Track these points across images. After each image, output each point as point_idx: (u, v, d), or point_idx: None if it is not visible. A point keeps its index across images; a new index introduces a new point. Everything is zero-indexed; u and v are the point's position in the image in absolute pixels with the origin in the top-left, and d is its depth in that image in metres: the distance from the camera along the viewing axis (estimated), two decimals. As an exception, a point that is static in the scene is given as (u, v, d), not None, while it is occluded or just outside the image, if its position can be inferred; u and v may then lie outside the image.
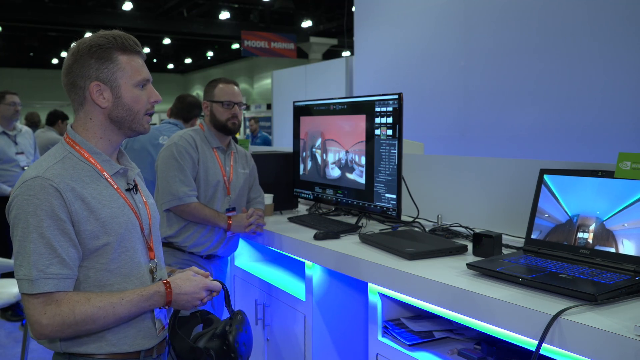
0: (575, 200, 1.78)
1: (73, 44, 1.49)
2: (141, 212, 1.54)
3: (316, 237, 2.33)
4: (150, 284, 1.52)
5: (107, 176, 1.47)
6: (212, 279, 1.61)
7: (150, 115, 1.55)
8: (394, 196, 2.38)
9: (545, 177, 1.89)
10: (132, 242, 1.48)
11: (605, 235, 1.67)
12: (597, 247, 1.67)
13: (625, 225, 1.63)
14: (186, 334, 1.63)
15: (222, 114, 2.56)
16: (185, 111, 3.58)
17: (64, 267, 1.34)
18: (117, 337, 1.45)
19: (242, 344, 1.61)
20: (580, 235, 1.73)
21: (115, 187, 1.48)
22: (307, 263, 2.36)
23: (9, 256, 4.67)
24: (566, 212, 1.79)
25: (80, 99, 1.47)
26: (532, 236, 1.87)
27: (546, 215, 1.85)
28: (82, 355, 1.43)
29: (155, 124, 4.68)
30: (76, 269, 1.38)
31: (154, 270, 1.55)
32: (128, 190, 1.53)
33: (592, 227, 1.71)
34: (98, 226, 1.40)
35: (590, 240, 1.70)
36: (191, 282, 1.52)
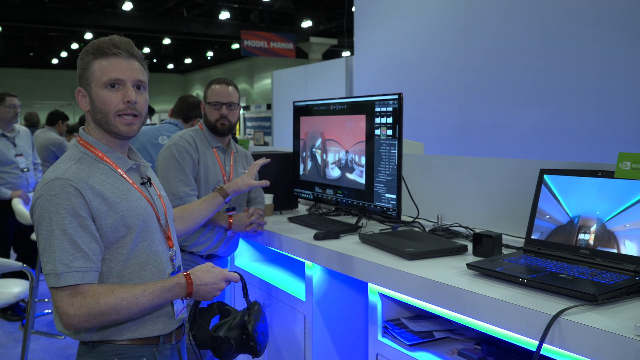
0: (577, 201, 1.78)
1: None
2: (157, 203, 1.63)
3: (316, 237, 2.33)
4: (170, 271, 1.61)
5: (121, 172, 1.56)
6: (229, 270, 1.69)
7: (128, 115, 1.52)
8: (394, 196, 2.38)
9: (546, 177, 1.89)
10: (149, 233, 1.56)
11: (606, 236, 1.66)
12: (599, 248, 1.67)
13: (627, 226, 1.62)
14: (205, 324, 1.70)
15: (211, 114, 2.56)
16: (185, 110, 3.60)
17: (88, 261, 1.42)
18: (137, 323, 1.54)
19: (260, 333, 1.70)
20: (581, 236, 1.73)
21: (130, 181, 1.57)
22: (307, 263, 2.36)
23: (8, 256, 4.69)
24: (567, 213, 1.79)
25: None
26: (533, 237, 1.87)
27: (547, 217, 1.85)
28: (105, 342, 1.52)
29: (155, 124, 4.69)
30: (99, 262, 1.46)
31: (173, 258, 1.64)
32: (142, 184, 1.62)
33: (593, 228, 1.71)
34: (117, 219, 1.48)
35: (591, 242, 1.70)
36: (211, 273, 1.61)
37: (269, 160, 2.46)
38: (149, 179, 1.66)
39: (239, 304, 1.85)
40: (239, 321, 1.69)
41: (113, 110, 1.51)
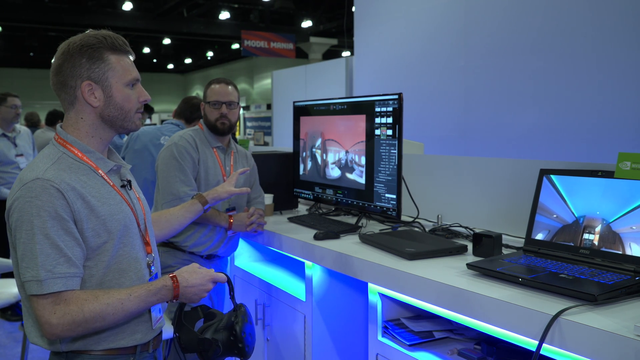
0: (575, 202, 1.78)
1: (62, 44, 1.50)
2: (136, 207, 1.58)
3: (316, 237, 2.33)
4: (148, 277, 1.55)
5: (102, 174, 1.50)
6: (215, 271, 1.63)
7: (141, 113, 1.57)
8: (394, 196, 2.38)
9: (553, 177, 1.88)
10: (130, 238, 1.51)
11: (611, 237, 1.66)
12: (599, 249, 1.67)
13: (634, 227, 1.62)
14: (190, 327, 1.66)
15: (211, 114, 2.56)
16: (188, 112, 3.62)
17: (71, 266, 1.36)
18: (115, 332, 1.47)
19: (248, 334, 1.65)
20: (586, 236, 1.72)
21: (111, 184, 1.51)
22: (307, 263, 2.36)
23: (8, 256, 4.69)
24: (565, 215, 1.79)
25: (71, 98, 1.48)
26: (537, 237, 1.87)
27: (544, 219, 1.85)
28: (80, 352, 1.45)
29: (155, 124, 4.70)
30: (82, 267, 1.40)
31: (151, 264, 1.58)
32: (123, 186, 1.56)
33: (591, 231, 1.71)
34: (99, 224, 1.42)
35: (596, 242, 1.69)
36: (197, 274, 1.55)
37: (248, 169, 2.40)
38: (129, 182, 1.60)
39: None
40: (226, 323, 1.64)
41: (134, 108, 1.53)
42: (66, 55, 1.46)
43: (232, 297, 1.74)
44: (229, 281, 1.68)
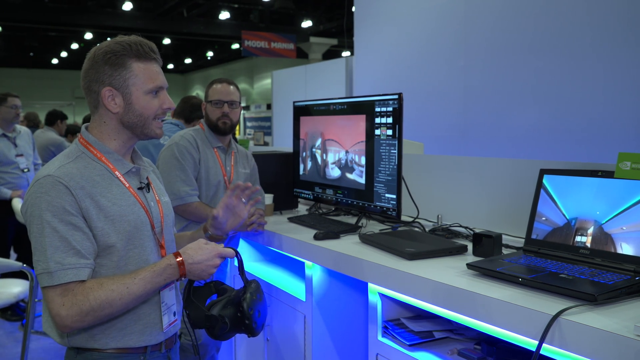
0: (574, 202, 1.78)
1: (92, 49, 1.54)
2: (152, 210, 1.58)
3: (316, 237, 2.33)
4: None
5: (118, 175, 1.52)
6: (224, 246, 1.60)
7: (160, 119, 1.57)
8: (394, 196, 2.38)
9: (552, 177, 1.88)
10: (141, 240, 1.52)
11: (603, 238, 1.66)
12: (603, 249, 1.67)
13: (624, 228, 1.62)
14: (200, 303, 1.63)
15: (212, 113, 2.57)
16: (187, 111, 3.63)
17: (81, 258, 1.39)
18: (123, 334, 1.49)
19: (256, 311, 1.61)
20: (578, 238, 1.73)
21: (127, 185, 1.53)
22: (307, 263, 2.36)
23: (8, 256, 4.69)
24: (564, 215, 1.79)
25: (95, 102, 1.52)
26: (537, 237, 1.87)
27: (543, 219, 1.85)
28: (90, 350, 1.48)
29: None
30: (93, 260, 1.42)
31: None
32: (140, 188, 1.57)
33: (590, 230, 1.71)
34: (107, 224, 1.45)
35: (588, 244, 1.70)
36: (203, 250, 1.53)
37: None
38: (148, 185, 1.60)
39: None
40: (233, 299, 1.62)
41: (153, 115, 1.54)
42: (92, 61, 1.51)
43: (242, 274, 1.68)
44: (238, 256, 1.64)
